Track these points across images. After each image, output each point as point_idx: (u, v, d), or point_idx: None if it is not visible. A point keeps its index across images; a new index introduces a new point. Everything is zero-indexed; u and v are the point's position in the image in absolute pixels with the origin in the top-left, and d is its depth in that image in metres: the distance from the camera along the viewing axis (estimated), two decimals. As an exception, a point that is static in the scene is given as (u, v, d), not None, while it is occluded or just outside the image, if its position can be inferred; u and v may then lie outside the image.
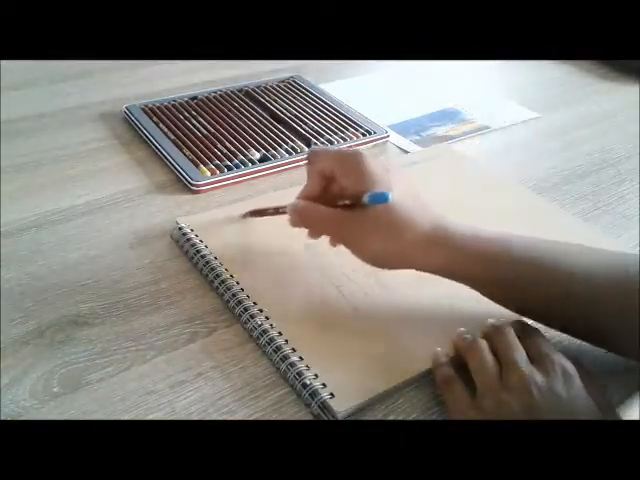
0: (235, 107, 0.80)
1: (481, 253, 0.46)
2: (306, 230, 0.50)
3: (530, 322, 0.49)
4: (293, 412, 0.44)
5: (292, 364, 0.45)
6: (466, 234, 0.47)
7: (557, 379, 0.41)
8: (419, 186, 0.48)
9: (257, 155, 0.70)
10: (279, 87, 0.86)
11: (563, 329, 0.48)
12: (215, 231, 0.57)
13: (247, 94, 0.84)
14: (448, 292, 0.52)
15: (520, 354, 0.43)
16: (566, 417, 0.39)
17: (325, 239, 0.50)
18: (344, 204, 0.48)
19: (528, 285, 0.46)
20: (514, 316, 0.49)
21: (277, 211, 0.55)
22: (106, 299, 0.52)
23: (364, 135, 0.75)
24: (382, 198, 0.44)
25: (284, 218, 0.50)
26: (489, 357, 0.44)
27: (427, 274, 0.48)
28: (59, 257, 0.56)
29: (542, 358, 0.43)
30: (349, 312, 0.50)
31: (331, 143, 0.73)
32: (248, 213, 0.59)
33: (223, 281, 0.52)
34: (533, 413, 0.39)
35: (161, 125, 0.74)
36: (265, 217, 0.57)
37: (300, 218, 0.49)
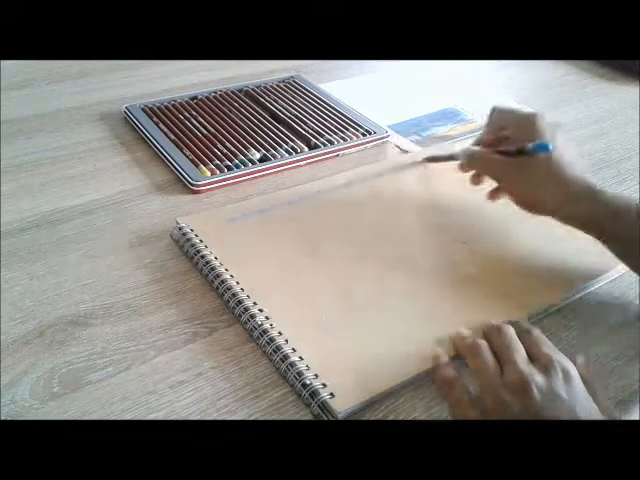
0: (235, 107, 0.80)
1: (623, 208, 0.51)
2: (305, 230, 0.50)
3: (530, 322, 0.49)
4: (293, 412, 0.44)
5: (292, 364, 0.45)
6: (607, 196, 0.52)
7: (557, 379, 0.41)
8: (419, 186, 0.48)
9: (257, 155, 0.70)
10: (279, 87, 0.86)
11: None
12: (215, 231, 0.57)
13: (247, 94, 0.84)
14: (448, 292, 0.52)
15: (520, 354, 0.43)
16: (566, 417, 0.39)
17: (331, 239, 0.50)
18: (509, 150, 0.55)
19: None
20: (514, 316, 0.49)
21: (451, 157, 0.63)
22: (106, 299, 0.52)
23: (364, 135, 0.75)
24: (544, 147, 0.52)
25: (291, 218, 0.52)
26: (489, 357, 0.44)
27: (430, 273, 0.48)
28: (59, 257, 0.56)
29: (542, 358, 0.43)
30: (349, 312, 0.50)
31: (331, 143, 0.73)
32: (425, 159, 0.69)
33: (223, 281, 0.52)
34: (533, 413, 0.39)
35: (161, 125, 0.74)
36: (438, 163, 0.67)
37: (473, 161, 0.59)
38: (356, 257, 0.56)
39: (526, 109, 0.58)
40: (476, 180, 0.61)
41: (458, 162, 0.61)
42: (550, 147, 0.52)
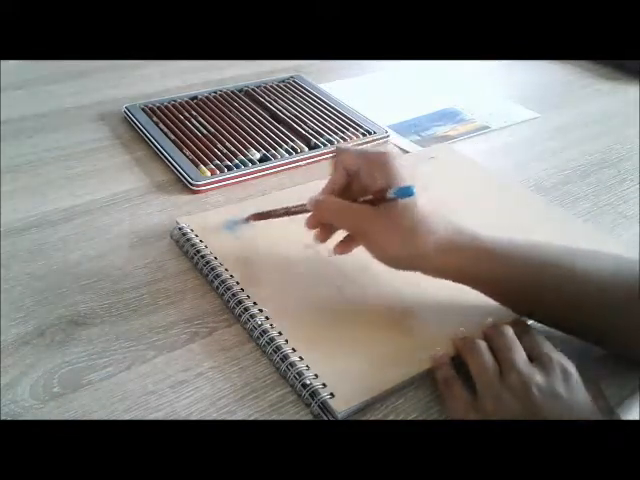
0: (235, 107, 0.80)
1: (501, 255, 0.47)
2: (306, 230, 0.50)
3: (530, 322, 0.49)
4: (293, 412, 0.43)
5: (292, 364, 0.45)
6: (485, 238, 0.47)
7: (557, 379, 0.41)
8: (419, 185, 0.48)
9: (257, 155, 0.70)
10: (279, 87, 0.86)
11: (572, 332, 0.48)
12: (215, 231, 0.57)
13: (247, 94, 0.84)
14: (448, 293, 0.52)
15: (520, 354, 0.43)
16: (566, 417, 0.39)
17: (327, 243, 0.50)
18: (365, 200, 0.48)
19: (545, 286, 0.46)
20: (514, 316, 0.49)
21: (286, 212, 0.54)
22: (106, 299, 0.52)
23: (364, 135, 0.75)
24: (408, 192, 0.45)
25: (290, 218, 0.51)
26: (489, 357, 0.44)
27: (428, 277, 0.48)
28: (59, 257, 0.56)
29: (542, 358, 0.43)
30: (349, 312, 0.50)
31: (331, 143, 0.73)
32: (251, 217, 0.58)
33: (223, 281, 0.52)
34: (533, 413, 0.39)
35: (161, 125, 0.74)
36: (270, 219, 0.56)
37: (323, 212, 0.50)
38: (356, 257, 0.56)
39: (370, 148, 0.51)
40: (323, 235, 0.51)
41: (301, 214, 0.52)
42: (414, 190, 0.45)
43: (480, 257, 0.46)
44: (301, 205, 0.51)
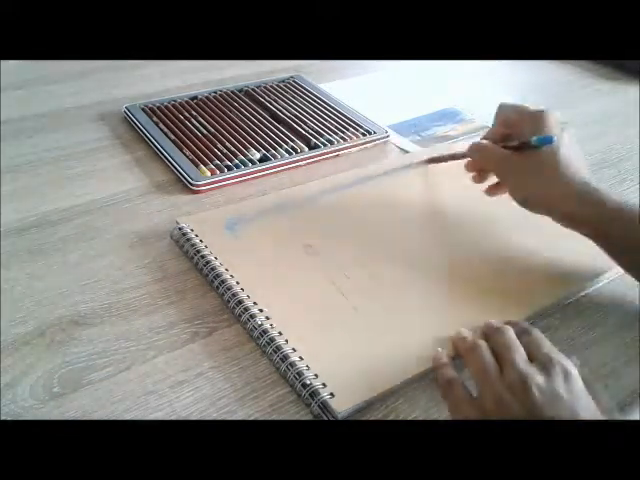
0: (235, 107, 0.80)
1: (621, 208, 0.51)
2: (305, 230, 0.51)
3: (529, 322, 0.49)
4: (293, 412, 0.44)
5: (292, 364, 0.45)
6: (611, 192, 0.52)
7: (557, 379, 0.41)
8: (420, 186, 0.48)
9: (257, 155, 0.70)
10: (279, 87, 0.86)
11: None
12: (215, 231, 0.57)
13: (247, 94, 0.84)
14: (448, 292, 0.52)
15: (520, 354, 0.43)
16: (566, 417, 0.39)
17: (331, 239, 0.50)
18: (511, 145, 0.55)
19: None
20: (514, 316, 0.49)
21: (453, 157, 0.64)
22: (106, 299, 0.52)
23: (364, 135, 0.75)
24: (548, 140, 0.52)
25: (291, 218, 0.52)
26: (489, 357, 0.44)
27: (429, 273, 0.48)
28: (59, 257, 0.56)
29: (542, 358, 0.43)
30: (349, 312, 0.50)
31: (331, 143, 0.73)
32: (428, 160, 0.68)
33: (223, 281, 0.52)
34: (533, 413, 0.39)
35: (161, 125, 0.74)
36: (440, 163, 0.67)
37: (476, 153, 0.59)
38: (356, 257, 0.56)
39: (532, 106, 0.58)
40: (478, 178, 0.61)
41: (460, 161, 0.61)
42: (554, 139, 0.52)
43: (593, 214, 0.51)
44: (463, 152, 0.61)
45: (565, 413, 0.39)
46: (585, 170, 0.53)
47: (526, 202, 0.54)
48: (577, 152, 0.54)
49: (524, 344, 0.45)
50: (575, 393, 0.40)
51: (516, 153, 0.54)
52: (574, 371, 0.42)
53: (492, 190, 0.60)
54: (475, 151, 0.59)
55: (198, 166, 0.67)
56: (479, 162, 0.60)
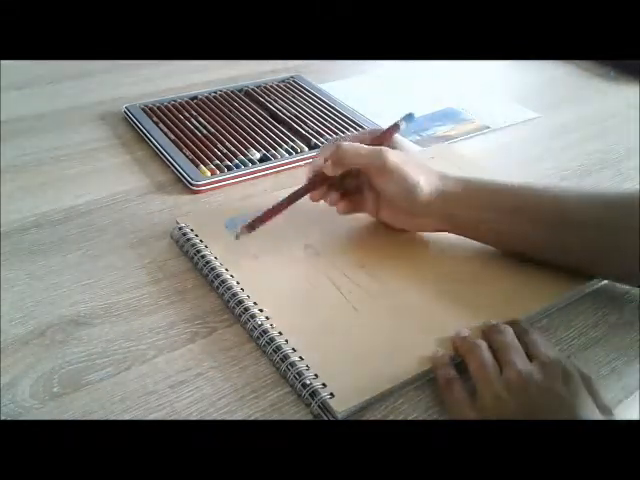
0: (235, 107, 0.80)
1: (479, 187, 0.53)
2: (305, 230, 0.51)
3: (529, 322, 0.49)
4: (293, 412, 0.43)
5: (292, 364, 0.45)
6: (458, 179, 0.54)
7: (557, 379, 0.41)
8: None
9: (257, 155, 0.70)
10: (279, 87, 0.86)
11: (558, 259, 0.52)
12: (215, 231, 0.57)
13: (247, 94, 0.84)
14: (448, 292, 0.52)
15: (519, 354, 0.43)
16: (566, 417, 0.39)
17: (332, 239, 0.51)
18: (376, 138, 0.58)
19: (526, 212, 0.51)
20: (514, 316, 0.49)
21: (289, 201, 0.57)
22: (106, 299, 0.52)
23: (364, 135, 0.75)
24: (410, 117, 0.61)
25: (291, 218, 0.53)
26: (489, 357, 0.44)
27: (429, 273, 0.48)
28: (59, 257, 0.56)
29: (542, 358, 0.43)
30: (349, 312, 0.50)
31: (331, 143, 0.73)
32: (244, 229, 0.56)
33: (223, 281, 0.52)
34: (533, 413, 0.39)
35: (161, 125, 0.74)
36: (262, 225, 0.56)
37: (343, 156, 0.54)
38: (356, 257, 0.56)
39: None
40: (327, 196, 0.57)
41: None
42: (413, 114, 0.59)
43: (455, 200, 0.53)
44: (301, 187, 0.57)
45: (564, 413, 0.39)
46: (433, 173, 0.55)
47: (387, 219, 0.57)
48: (420, 162, 0.56)
49: (524, 344, 0.45)
50: (574, 393, 0.40)
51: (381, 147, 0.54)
52: (574, 371, 0.42)
53: (344, 207, 0.57)
54: (342, 152, 0.54)
55: (198, 166, 0.67)
56: (349, 161, 0.54)
